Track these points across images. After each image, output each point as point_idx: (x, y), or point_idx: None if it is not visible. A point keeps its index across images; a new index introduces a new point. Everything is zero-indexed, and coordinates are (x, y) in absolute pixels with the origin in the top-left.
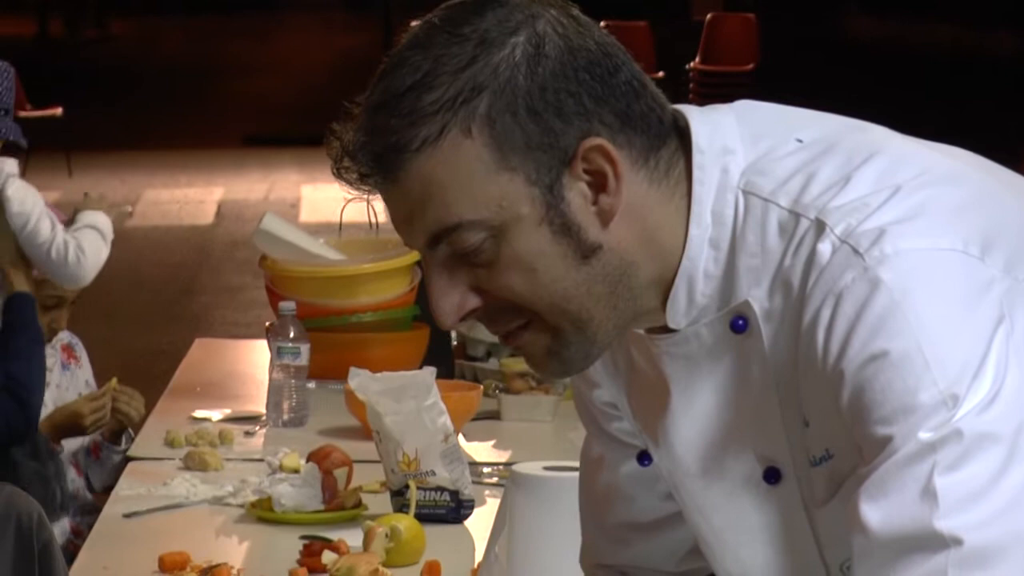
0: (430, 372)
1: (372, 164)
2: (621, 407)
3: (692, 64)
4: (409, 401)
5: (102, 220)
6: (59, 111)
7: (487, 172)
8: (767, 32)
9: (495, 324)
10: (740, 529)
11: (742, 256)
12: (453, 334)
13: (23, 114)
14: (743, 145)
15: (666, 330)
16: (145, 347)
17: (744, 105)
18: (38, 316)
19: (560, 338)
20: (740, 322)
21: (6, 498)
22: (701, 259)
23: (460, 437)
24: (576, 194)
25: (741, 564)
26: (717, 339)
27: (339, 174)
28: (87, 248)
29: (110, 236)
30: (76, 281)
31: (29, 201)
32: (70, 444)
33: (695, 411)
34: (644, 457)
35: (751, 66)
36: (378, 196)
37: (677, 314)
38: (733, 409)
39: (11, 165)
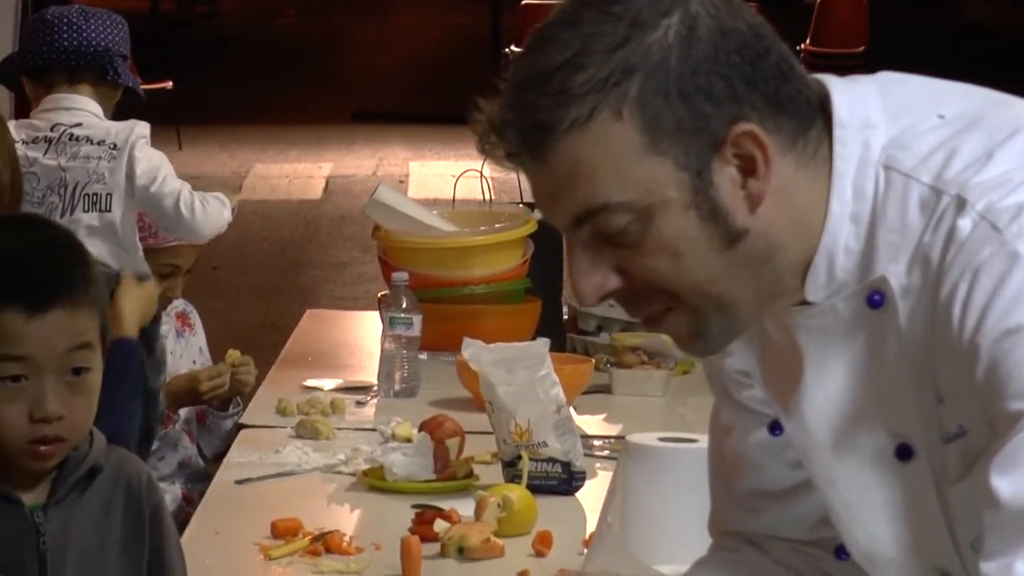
0: (543, 343)
1: (519, 142)
2: (753, 376)
3: (802, 46)
4: (522, 372)
5: (221, 195)
6: (169, 85)
7: (636, 155)
8: (878, 14)
9: (635, 306)
10: (869, 503)
11: (882, 231)
12: (564, 308)
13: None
14: (885, 119)
15: (802, 302)
16: (254, 320)
17: (887, 77)
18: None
19: (703, 319)
20: (877, 297)
21: (116, 461)
22: (842, 234)
23: (571, 410)
24: (725, 179)
25: (870, 537)
26: (853, 314)
27: (484, 150)
28: (210, 207)
29: (231, 208)
30: (195, 234)
31: (157, 158)
32: (183, 412)
33: (828, 385)
34: (775, 427)
35: (862, 48)
36: (498, 170)
37: (816, 289)
38: (866, 384)
39: (143, 128)
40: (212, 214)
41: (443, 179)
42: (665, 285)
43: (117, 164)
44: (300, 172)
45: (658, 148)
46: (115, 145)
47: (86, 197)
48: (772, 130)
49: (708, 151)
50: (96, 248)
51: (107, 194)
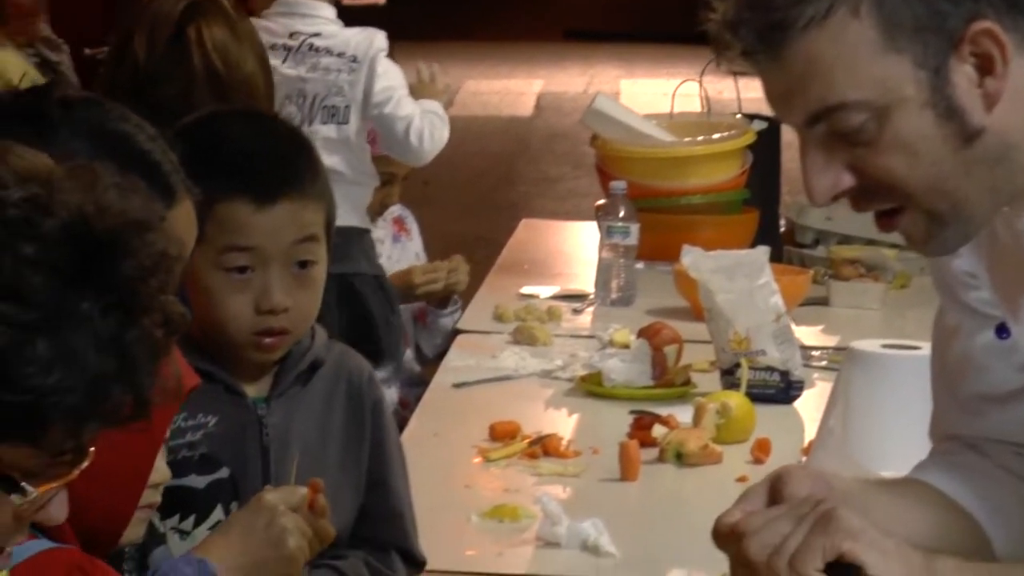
0: (763, 251)
1: (755, 40)
2: (980, 278)
3: None
4: (742, 280)
5: (440, 108)
6: (382, 0)
7: (873, 53)
8: None
9: (866, 204)
10: None
11: None
12: (781, 220)
13: (346, 2)
14: None
15: None
16: (465, 233)
17: None
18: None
19: (938, 220)
20: None
21: (338, 356)
22: None
23: (789, 320)
24: (962, 77)
25: None
26: None
27: (718, 49)
28: (436, 133)
29: (447, 120)
30: (419, 160)
31: (395, 77)
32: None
33: None
34: (1002, 329)
35: None
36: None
37: None
38: None
39: (382, 39)
40: (437, 140)
41: (654, 96)
42: (899, 184)
43: (356, 77)
44: (511, 89)
45: (896, 46)
46: (355, 58)
47: (324, 109)
48: (1010, 28)
49: (945, 49)
50: (331, 160)
51: (345, 107)
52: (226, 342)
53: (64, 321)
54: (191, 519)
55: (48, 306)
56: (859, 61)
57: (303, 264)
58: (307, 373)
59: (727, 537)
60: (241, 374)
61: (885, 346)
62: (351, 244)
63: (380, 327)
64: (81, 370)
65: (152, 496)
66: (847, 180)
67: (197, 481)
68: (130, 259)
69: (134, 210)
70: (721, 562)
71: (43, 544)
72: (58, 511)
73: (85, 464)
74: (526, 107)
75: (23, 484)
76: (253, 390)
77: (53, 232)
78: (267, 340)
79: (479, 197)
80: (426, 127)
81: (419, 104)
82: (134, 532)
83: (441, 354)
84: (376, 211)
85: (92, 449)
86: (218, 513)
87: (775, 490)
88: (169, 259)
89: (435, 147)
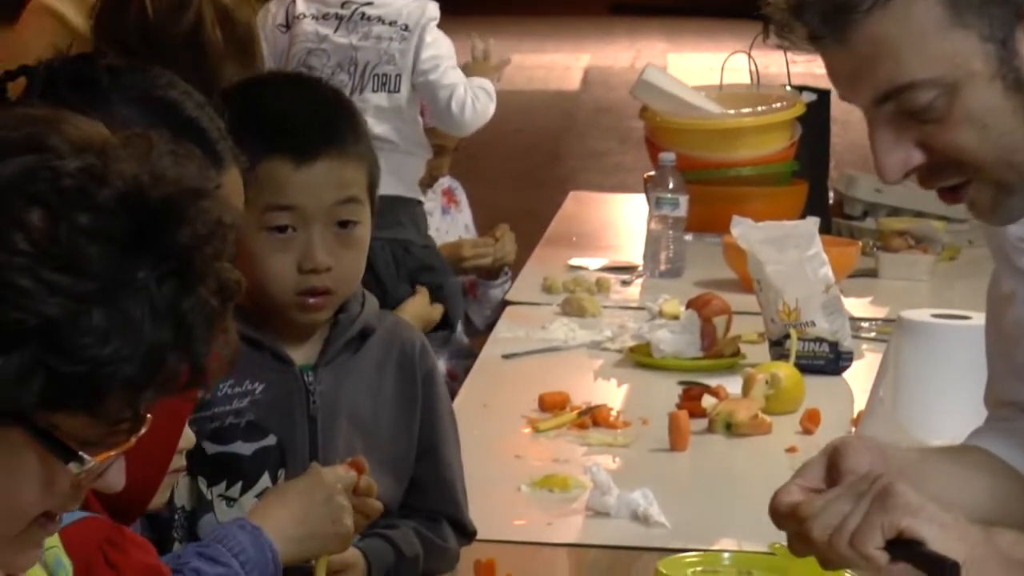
0: (813, 222)
1: (820, 24)
2: None
3: None
4: (791, 251)
5: (489, 86)
6: None
7: (940, 30)
8: None
9: (936, 180)
10: None
11: None
12: (830, 192)
13: None
14: None
15: None
16: (512, 207)
17: None
18: None
19: (1005, 189)
20: None
21: (390, 325)
22: None
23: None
24: None
25: None
26: None
27: (781, 34)
28: (480, 104)
29: (495, 97)
30: (460, 130)
31: (445, 46)
32: None
33: None
34: None
35: None
36: (763, 55)
37: None
38: None
39: (434, 8)
40: (480, 112)
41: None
42: (969, 158)
43: (407, 45)
44: (557, 63)
45: (962, 21)
46: (407, 26)
47: (375, 77)
48: None
49: (1011, 20)
50: (382, 129)
51: (396, 75)
52: (271, 304)
53: (120, 291)
54: (238, 486)
55: (104, 276)
56: (926, 39)
57: (344, 224)
58: (357, 341)
59: (785, 516)
60: (288, 341)
61: (935, 316)
62: (400, 213)
63: (442, 291)
64: (137, 339)
65: (178, 461)
66: (917, 157)
67: (244, 448)
68: (185, 227)
69: (189, 178)
70: (770, 532)
71: (74, 515)
72: (116, 479)
73: (143, 432)
74: (572, 81)
75: (81, 453)
76: (301, 358)
77: (109, 202)
78: (311, 300)
79: (526, 172)
80: (469, 98)
81: (470, 81)
82: (160, 498)
83: (490, 325)
84: (426, 183)
85: (149, 417)
86: (265, 480)
87: (832, 463)
88: (224, 226)
89: (477, 119)
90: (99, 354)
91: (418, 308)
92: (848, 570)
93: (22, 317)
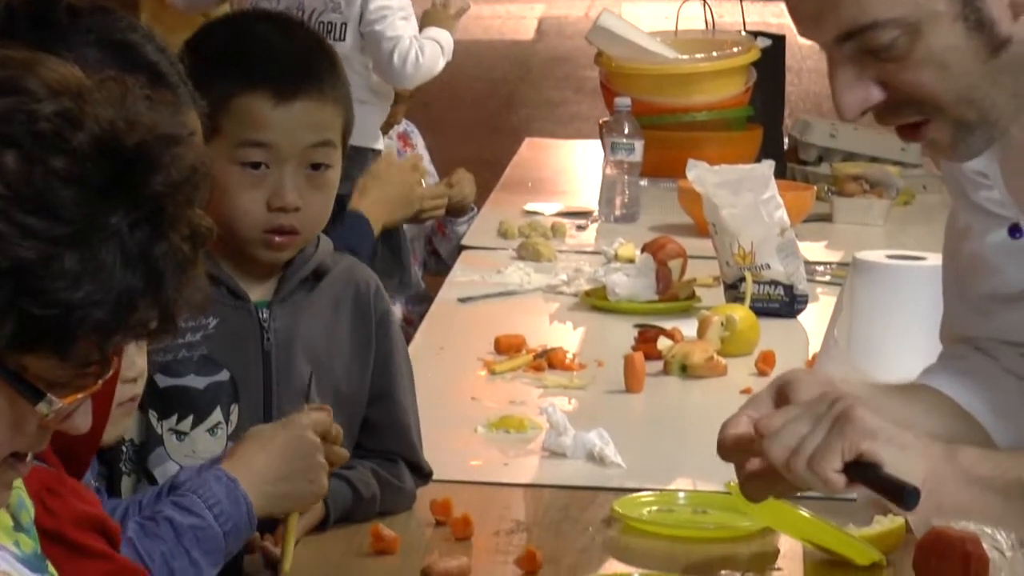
0: (768, 165)
1: None
2: (992, 177)
3: None
4: (746, 194)
5: (445, 38)
6: None
7: None
8: None
9: (894, 117)
10: None
11: None
12: (785, 138)
13: None
14: None
15: None
16: (467, 157)
17: None
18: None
19: (964, 127)
20: None
21: (346, 266)
22: None
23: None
24: None
25: None
26: None
27: None
28: (426, 59)
29: (449, 53)
30: (402, 83)
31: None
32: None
33: None
34: (1015, 230)
35: None
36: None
37: None
38: None
39: None
40: (425, 67)
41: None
42: (929, 96)
43: None
44: (512, 13)
45: None
46: None
47: (320, 25)
48: None
49: None
50: None
51: (342, 23)
52: (236, 239)
53: (93, 235)
54: (189, 420)
55: (77, 220)
56: None
57: (316, 166)
58: (311, 280)
59: (734, 446)
60: (245, 278)
61: (890, 256)
62: (353, 165)
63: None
64: (108, 284)
65: (130, 390)
66: (876, 95)
67: (196, 382)
68: (159, 174)
69: (164, 124)
70: (725, 472)
71: None
72: (82, 421)
73: (110, 375)
74: (527, 31)
75: (49, 395)
76: (256, 295)
77: (83, 146)
78: (277, 239)
79: (481, 121)
80: (414, 52)
81: (427, 31)
82: (116, 430)
83: (445, 270)
84: (382, 130)
85: (116, 360)
86: (217, 415)
87: (781, 395)
88: (197, 174)
89: (420, 74)
90: (70, 298)
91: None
92: (802, 496)
93: None
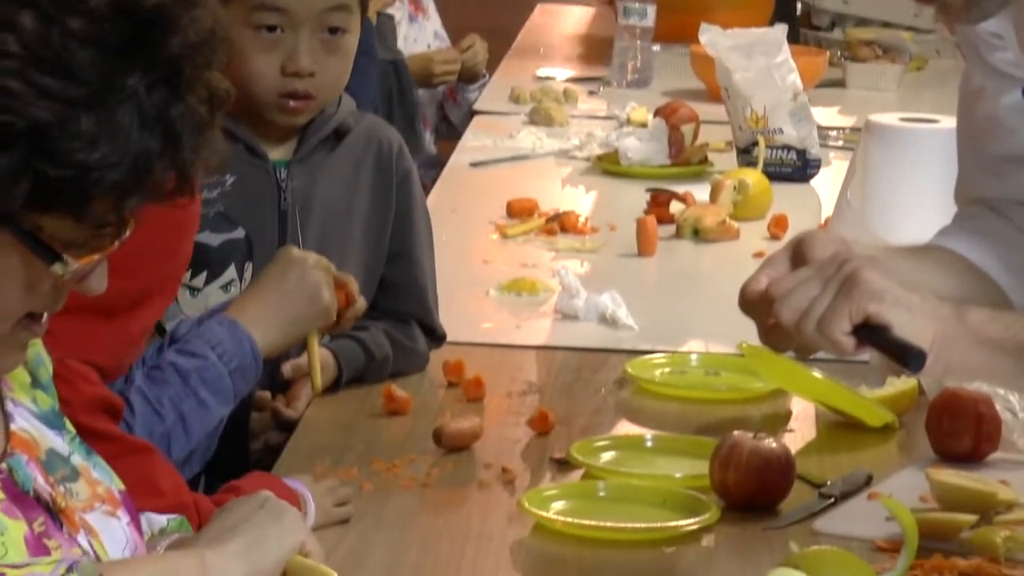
0: (781, 29)
1: None
2: (1007, 39)
3: None
4: (759, 58)
5: None
6: None
7: None
8: None
9: None
10: None
11: None
12: (798, 3)
13: None
14: None
15: None
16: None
17: None
18: None
19: None
20: None
21: (368, 125)
22: None
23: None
24: None
25: None
26: None
27: None
28: None
29: None
30: None
31: None
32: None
33: None
34: None
35: None
36: None
37: None
38: None
39: None
40: None
41: None
42: None
43: None
44: None
45: None
46: None
47: None
48: None
49: None
50: None
51: None
52: (251, 102)
53: (110, 97)
54: (203, 276)
55: (94, 82)
56: None
57: (333, 30)
58: (333, 140)
59: (754, 303)
60: (265, 137)
61: (903, 119)
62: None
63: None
64: (125, 146)
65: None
66: None
67: (211, 239)
68: (177, 35)
69: None
70: (737, 334)
71: None
72: (98, 282)
73: (126, 236)
74: None
75: (64, 255)
76: (276, 155)
77: (101, 7)
78: (292, 103)
79: None
80: None
81: None
82: None
83: (456, 136)
84: None
85: (132, 221)
86: (231, 272)
87: (797, 255)
88: (215, 36)
89: None
90: (87, 159)
91: None
92: (815, 358)
93: (11, 120)
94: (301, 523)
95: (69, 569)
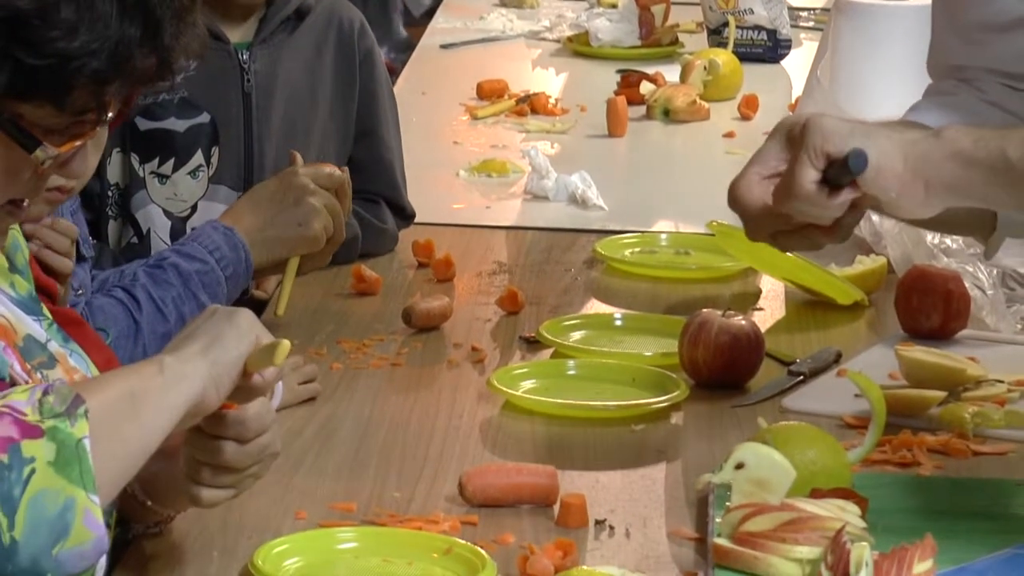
0: None
1: None
2: None
3: None
4: None
5: None
6: None
7: None
8: None
9: None
10: None
11: None
12: None
13: None
14: None
15: None
16: None
17: None
18: None
19: None
20: None
21: (328, 5)
22: None
23: None
24: None
25: None
26: None
27: None
28: None
29: None
30: None
31: None
32: None
33: None
34: None
35: None
36: None
37: None
38: None
39: None
40: None
41: None
42: None
43: None
44: None
45: None
46: None
47: None
48: None
49: None
50: None
51: None
52: None
53: None
54: (171, 163)
55: None
56: None
57: None
58: (293, 20)
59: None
60: (225, 19)
61: None
62: None
63: None
64: (105, 34)
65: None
66: None
67: (177, 124)
68: None
69: None
70: (707, 213)
71: None
72: (81, 167)
73: (107, 122)
74: None
75: (44, 142)
76: (236, 37)
77: None
78: None
79: None
80: None
81: None
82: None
83: (429, 14)
84: None
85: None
86: (198, 158)
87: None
88: None
89: None
90: (66, 48)
91: None
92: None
93: None
94: (254, 320)
95: (45, 392)
